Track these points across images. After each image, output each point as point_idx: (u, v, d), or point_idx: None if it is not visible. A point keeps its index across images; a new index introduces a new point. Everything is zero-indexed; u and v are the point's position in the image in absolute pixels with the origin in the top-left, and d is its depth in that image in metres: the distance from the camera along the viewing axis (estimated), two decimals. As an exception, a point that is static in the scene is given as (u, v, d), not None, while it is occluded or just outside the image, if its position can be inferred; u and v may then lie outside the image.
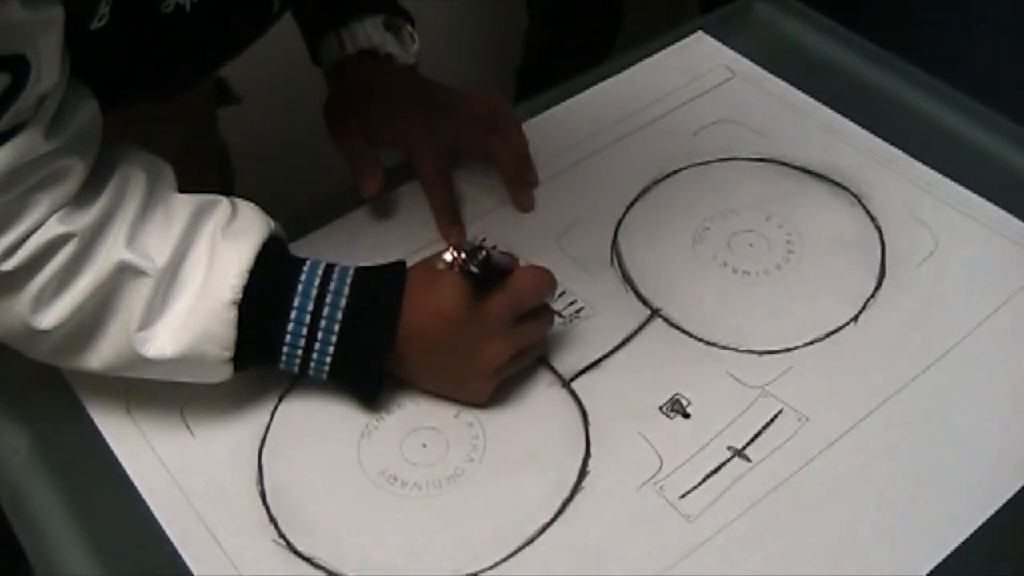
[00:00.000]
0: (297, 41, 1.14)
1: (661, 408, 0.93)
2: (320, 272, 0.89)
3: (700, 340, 0.97)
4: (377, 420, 0.93)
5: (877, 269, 1.02)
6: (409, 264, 0.92)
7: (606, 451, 0.90)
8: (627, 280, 1.01)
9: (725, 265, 1.03)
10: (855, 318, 0.98)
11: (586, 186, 1.10)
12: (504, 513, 0.87)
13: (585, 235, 1.05)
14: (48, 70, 0.78)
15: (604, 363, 0.96)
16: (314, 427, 0.93)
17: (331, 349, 0.89)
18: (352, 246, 1.04)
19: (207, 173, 1.27)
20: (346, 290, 0.89)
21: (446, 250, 0.86)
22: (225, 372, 0.89)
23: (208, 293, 0.86)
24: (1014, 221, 1.05)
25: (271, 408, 0.94)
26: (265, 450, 0.91)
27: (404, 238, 1.06)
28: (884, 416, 0.92)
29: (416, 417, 0.93)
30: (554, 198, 1.09)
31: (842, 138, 1.13)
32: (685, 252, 1.04)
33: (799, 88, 1.18)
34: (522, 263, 1.01)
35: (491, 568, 0.84)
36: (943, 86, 1.17)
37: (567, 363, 0.96)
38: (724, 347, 0.96)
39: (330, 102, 1.12)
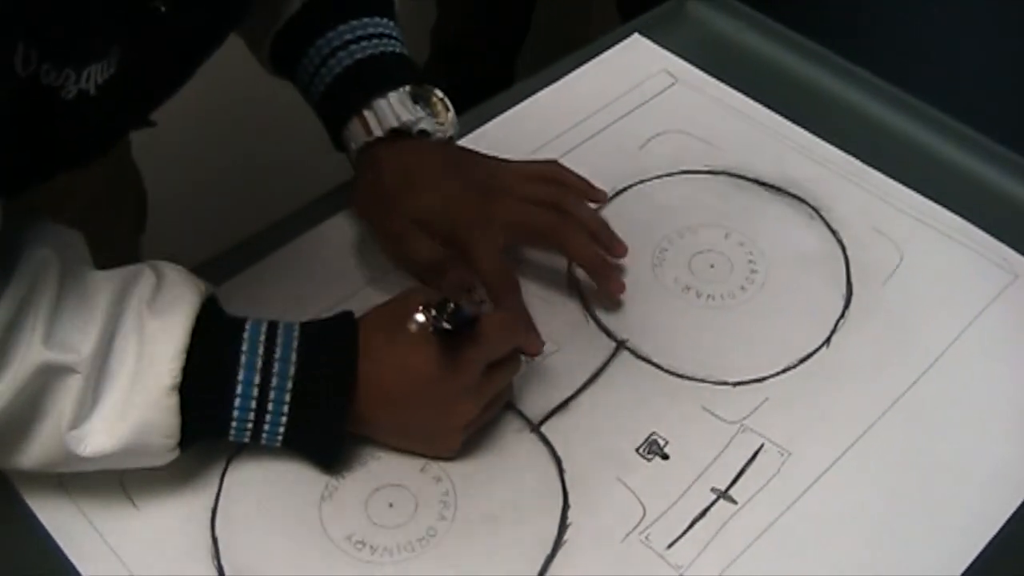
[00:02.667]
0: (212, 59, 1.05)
1: (638, 450, 0.88)
2: (263, 337, 0.82)
3: (671, 373, 0.92)
4: (338, 480, 0.86)
5: (843, 287, 0.98)
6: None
7: (585, 500, 0.85)
8: (588, 311, 0.96)
9: (688, 289, 0.98)
10: (827, 341, 0.95)
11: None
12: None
13: (540, 263, 0.99)
14: None
15: (573, 403, 0.91)
16: (269, 490, 0.86)
17: (284, 420, 0.82)
18: (289, 284, 0.98)
19: (122, 199, 1.18)
20: (293, 356, 0.82)
21: (415, 310, 0.81)
22: (170, 457, 0.82)
23: (143, 380, 0.79)
24: (974, 230, 1.02)
25: (220, 471, 0.86)
26: (218, 520, 0.84)
27: (345, 271, 0.99)
28: (867, 445, 0.88)
29: (379, 474, 0.86)
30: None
31: (793, 147, 1.09)
32: (645, 277, 0.99)
33: (742, 92, 1.14)
34: (479, 295, 0.96)
35: (476, 638, 0.79)
36: (889, 87, 1.14)
37: (534, 405, 0.90)
38: (696, 379, 0.92)
39: (363, 194, 0.99)
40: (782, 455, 0.88)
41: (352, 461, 0.87)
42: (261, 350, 0.82)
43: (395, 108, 0.97)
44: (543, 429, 0.89)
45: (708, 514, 0.85)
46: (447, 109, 1.00)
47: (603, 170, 1.05)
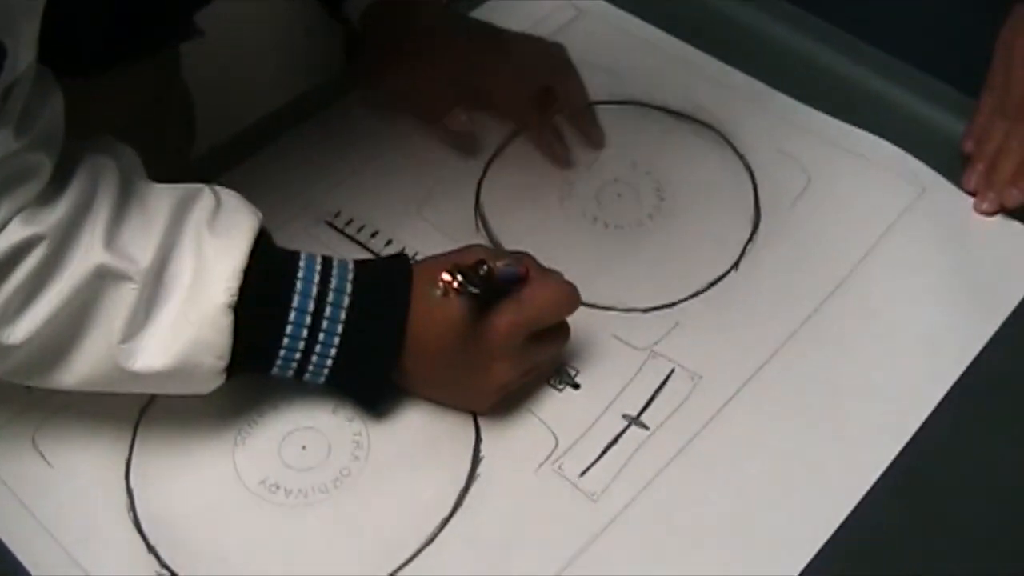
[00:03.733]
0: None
1: (549, 381, 0.88)
2: (318, 268, 0.81)
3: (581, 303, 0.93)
4: (250, 425, 0.86)
5: (752, 210, 0.99)
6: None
7: (497, 433, 0.86)
8: (496, 247, 0.96)
9: (596, 220, 0.98)
10: (735, 265, 0.95)
11: (440, 148, 1.04)
12: (399, 512, 0.82)
13: (446, 201, 1.00)
14: (23, 55, 0.69)
15: (483, 337, 0.91)
16: (182, 440, 0.86)
17: (333, 353, 0.82)
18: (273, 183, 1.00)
19: (171, 116, 1.17)
20: (348, 287, 0.81)
21: (440, 271, 0.78)
22: (217, 381, 0.81)
23: (200, 297, 0.78)
24: (883, 144, 1.03)
25: (133, 424, 0.86)
26: (132, 472, 0.84)
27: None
28: (777, 366, 0.89)
29: (292, 417, 0.87)
30: (408, 163, 1.02)
31: (700, 73, 1.09)
32: (553, 211, 0.99)
33: (647, 20, 1.13)
34: (384, 237, 0.96)
35: (394, 573, 0.80)
36: (793, 9, 1.14)
37: (444, 342, 0.91)
38: (606, 308, 0.92)
39: (371, 53, 1.05)
40: (693, 379, 0.88)
41: (263, 405, 0.87)
42: (316, 279, 0.81)
43: None
44: (454, 365, 0.89)
45: (620, 441, 0.85)
46: None
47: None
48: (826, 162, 1.02)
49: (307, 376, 0.83)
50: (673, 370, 0.89)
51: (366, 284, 0.82)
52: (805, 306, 0.93)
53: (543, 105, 1.03)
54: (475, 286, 0.78)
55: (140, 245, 0.77)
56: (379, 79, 1.06)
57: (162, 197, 0.80)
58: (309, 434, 0.86)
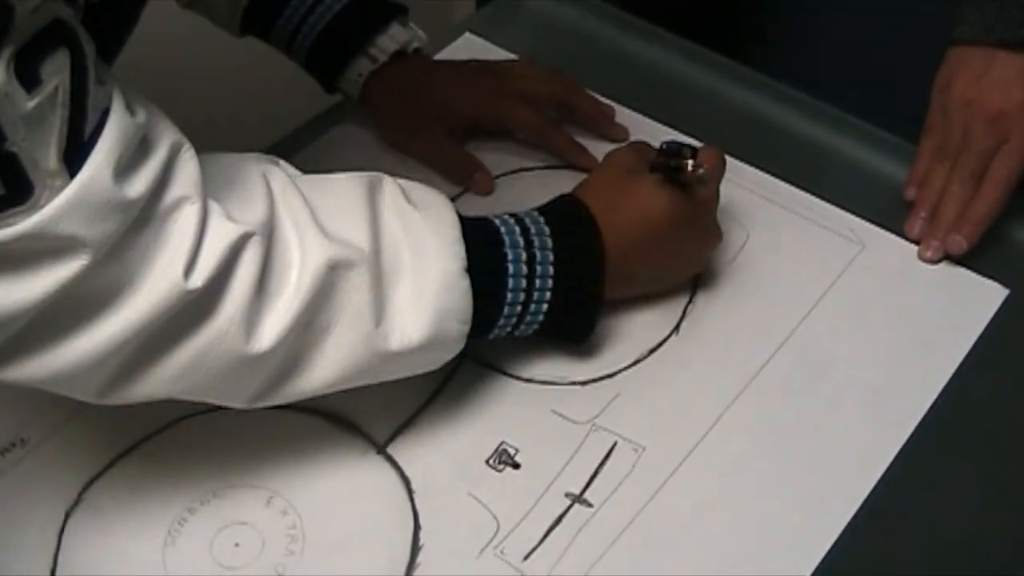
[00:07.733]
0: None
1: (488, 461, 0.86)
2: (512, 221, 0.86)
3: (517, 378, 0.90)
4: (180, 523, 0.83)
5: (691, 269, 0.97)
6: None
7: (436, 520, 0.83)
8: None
9: (530, 291, 0.96)
10: (676, 328, 0.93)
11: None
12: (338, 608, 0.79)
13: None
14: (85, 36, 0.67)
15: (418, 419, 0.88)
16: (110, 542, 0.82)
17: (548, 297, 0.85)
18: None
19: None
20: (546, 229, 0.85)
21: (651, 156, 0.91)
22: (457, 349, 0.83)
23: (431, 267, 0.80)
24: (818, 203, 1.01)
25: (58, 528, 0.83)
26: (58, 577, 0.82)
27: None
28: (722, 432, 0.87)
29: (223, 512, 0.84)
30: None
31: (634, 133, 1.07)
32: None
33: (580, 79, 1.11)
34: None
35: (333, 675, 0.77)
36: (735, 65, 1.13)
37: (378, 425, 0.88)
38: (544, 382, 0.90)
39: (382, 110, 1.08)
40: (636, 451, 0.86)
41: (194, 502, 0.84)
42: (519, 229, 0.85)
43: (395, 36, 1.06)
44: (389, 450, 0.87)
45: (563, 521, 0.83)
46: (415, 30, 1.09)
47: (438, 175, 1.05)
48: (764, 219, 1.00)
49: (522, 328, 0.87)
50: (616, 443, 0.86)
51: (557, 223, 0.86)
52: (749, 368, 0.91)
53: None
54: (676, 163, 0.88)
55: (351, 231, 0.78)
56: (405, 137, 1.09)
57: (346, 183, 0.81)
58: (242, 529, 0.83)
